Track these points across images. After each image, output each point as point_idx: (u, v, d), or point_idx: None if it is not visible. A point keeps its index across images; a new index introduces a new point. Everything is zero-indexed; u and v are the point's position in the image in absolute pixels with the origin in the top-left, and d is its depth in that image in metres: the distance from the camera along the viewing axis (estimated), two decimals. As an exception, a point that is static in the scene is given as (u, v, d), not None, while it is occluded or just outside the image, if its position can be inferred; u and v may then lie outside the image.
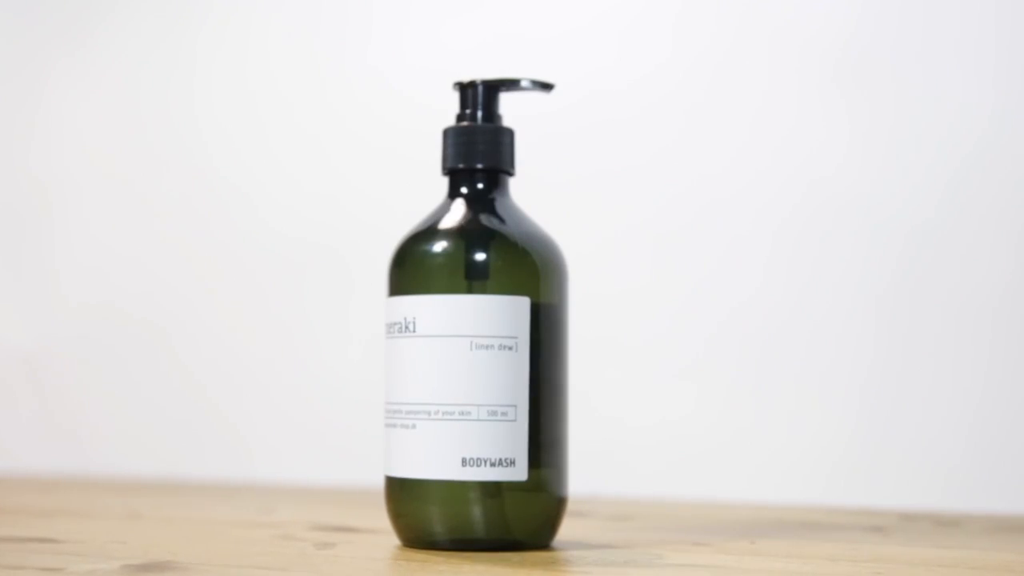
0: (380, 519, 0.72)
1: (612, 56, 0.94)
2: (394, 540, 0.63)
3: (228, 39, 1.06)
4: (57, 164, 1.10)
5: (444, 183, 0.96)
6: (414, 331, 0.60)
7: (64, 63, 1.10)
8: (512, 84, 0.63)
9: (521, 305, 0.60)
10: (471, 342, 0.59)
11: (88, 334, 1.08)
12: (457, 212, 0.62)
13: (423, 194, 0.97)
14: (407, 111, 0.99)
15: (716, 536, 0.66)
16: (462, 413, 0.59)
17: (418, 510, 0.60)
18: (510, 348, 0.59)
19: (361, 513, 0.77)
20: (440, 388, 0.59)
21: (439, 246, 0.61)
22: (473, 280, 0.60)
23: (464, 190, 0.63)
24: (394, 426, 0.61)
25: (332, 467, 0.99)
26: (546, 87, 0.64)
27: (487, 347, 0.59)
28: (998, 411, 0.84)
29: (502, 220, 0.62)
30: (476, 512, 0.60)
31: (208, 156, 1.06)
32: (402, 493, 0.61)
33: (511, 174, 0.64)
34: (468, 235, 0.61)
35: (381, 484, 0.95)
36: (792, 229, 0.89)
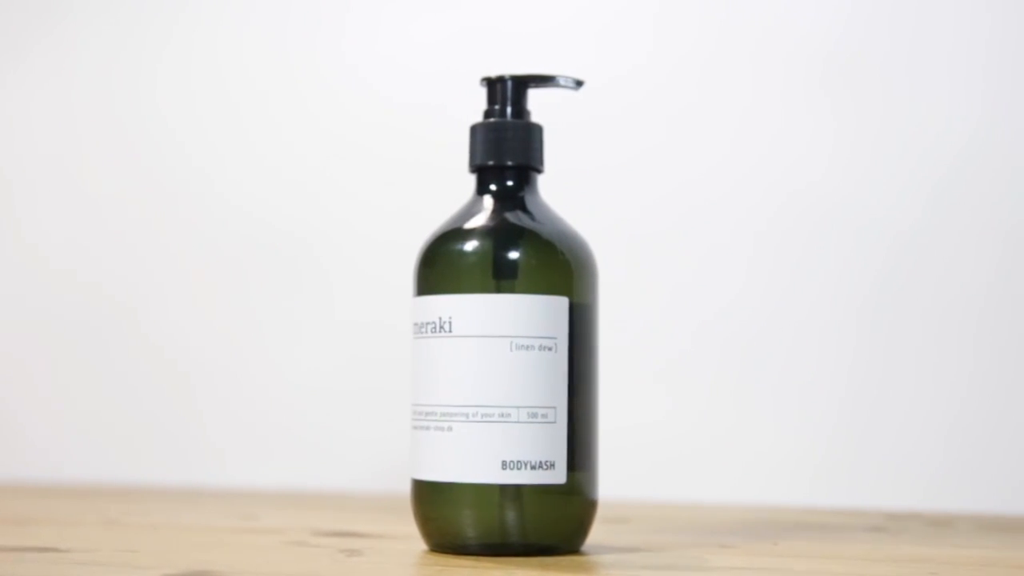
0: (382, 523, 0.71)
1: (592, 54, 0.93)
2: (417, 545, 0.61)
3: (200, 30, 1.02)
4: (12, 156, 1.06)
5: (423, 179, 0.96)
6: (450, 331, 0.59)
7: (34, 54, 1.05)
8: (543, 80, 0.62)
9: (560, 305, 0.59)
10: (511, 342, 0.58)
11: (32, 331, 1.04)
12: (489, 210, 0.61)
13: (400, 190, 0.97)
14: (383, 107, 0.97)
15: (733, 538, 0.66)
16: (502, 415, 0.58)
17: (451, 514, 0.59)
18: (550, 349, 0.58)
19: (356, 517, 0.75)
20: (479, 389, 0.58)
21: (477, 245, 0.60)
22: (512, 280, 0.59)
23: (493, 187, 0.62)
24: (426, 428, 0.59)
25: (298, 470, 0.96)
26: (578, 84, 0.63)
27: (527, 348, 0.58)
28: (980, 414, 0.86)
29: (538, 219, 0.61)
30: (513, 516, 0.58)
31: (180, 150, 1.02)
32: (433, 496, 0.59)
33: (540, 171, 0.63)
34: (507, 234, 0.60)
35: (358, 486, 0.96)
36: (776, 232, 0.89)
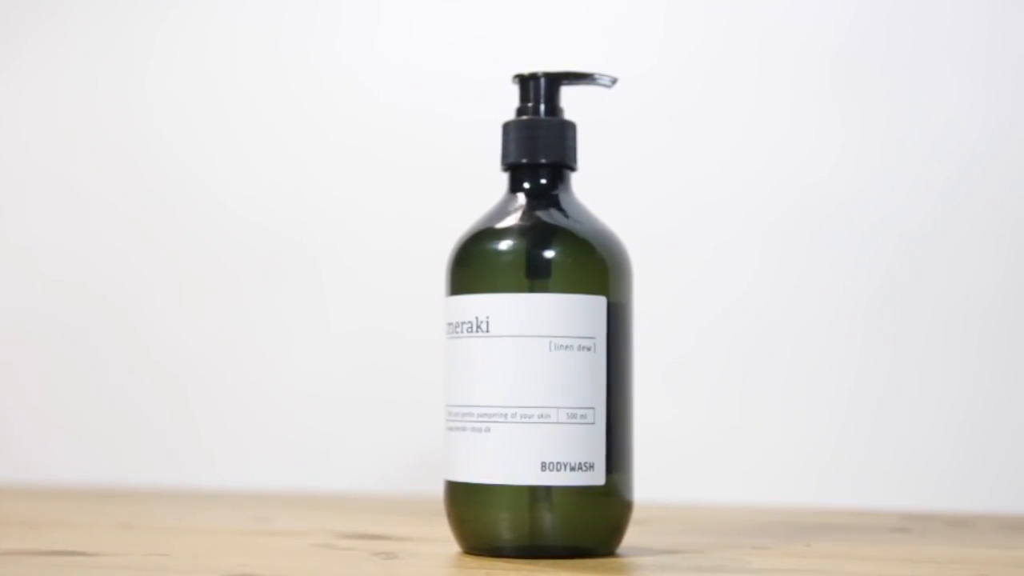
0: (401, 525, 0.71)
1: (600, 55, 0.92)
2: (449, 547, 0.60)
3: (191, 27, 1.01)
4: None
5: (416, 181, 0.95)
6: (487, 331, 0.58)
7: (21, 53, 1.03)
8: (577, 77, 0.62)
9: (598, 305, 0.58)
10: (550, 342, 0.57)
11: (21, 333, 1.02)
12: (524, 209, 0.60)
13: (396, 193, 0.96)
14: (378, 108, 0.97)
15: (764, 539, 0.66)
16: (541, 416, 0.57)
17: (487, 516, 0.58)
18: (588, 349, 0.58)
19: (371, 519, 0.74)
20: (518, 390, 0.57)
21: (516, 244, 0.59)
22: (551, 279, 0.58)
23: (527, 186, 0.61)
24: (463, 429, 0.58)
25: (292, 472, 0.95)
26: (612, 81, 0.62)
27: (566, 347, 0.57)
28: (989, 412, 0.85)
29: (575, 218, 0.60)
30: (551, 518, 0.58)
31: (170, 151, 1.01)
32: (469, 498, 0.58)
33: (574, 169, 0.62)
34: (545, 233, 0.59)
35: (356, 488, 0.94)
36: (782, 232, 0.89)
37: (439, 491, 0.88)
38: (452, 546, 0.61)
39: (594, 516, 0.58)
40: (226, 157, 1.00)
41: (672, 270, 0.91)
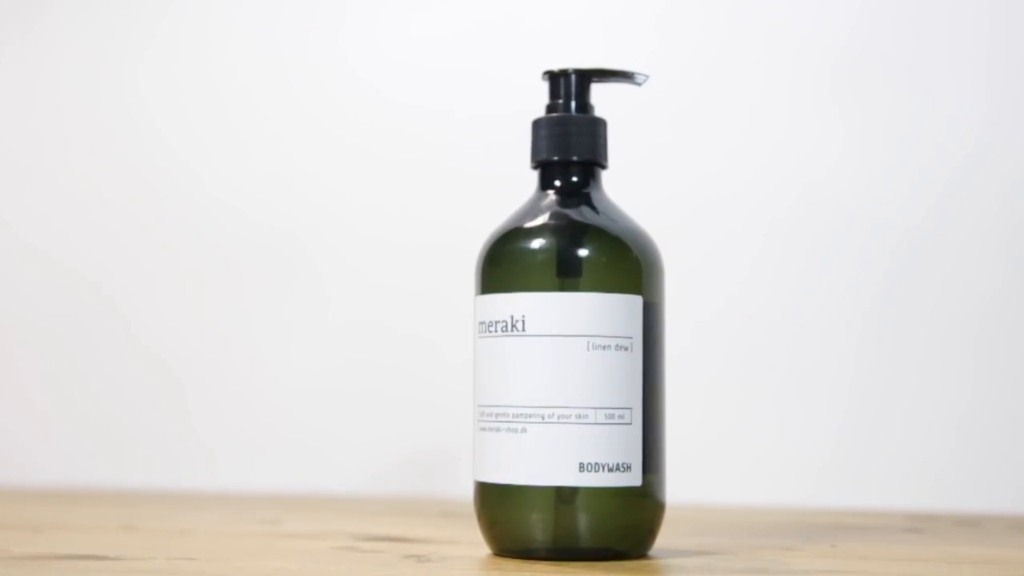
0: (416, 527, 0.70)
1: (597, 52, 0.92)
2: (478, 549, 0.59)
3: (190, 22, 0.99)
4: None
5: (415, 178, 0.94)
6: (523, 330, 0.57)
7: (19, 46, 1.01)
8: (608, 74, 0.61)
9: (635, 304, 0.58)
10: (588, 342, 0.57)
11: (15, 331, 1.00)
12: (558, 207, 0.59)
13: (395, 189, 0.95)
14: (377, 104, 0.96)
15: (788, 539, 0.65)
16: (579, 416, 0.56)
17: (522, 517, 0.57)
18: (625, 348, 0.57)
19: (381, 521, 0.73)
20: (555, 390, 0.56)
21: (552, 242, 0.58)
22: (586, 278, 0.57)
23: (558, 183, 0.60)
24: (497, 430, 0.57)
25: (292, 472, 0.94)
26: (644, 79, 0.62)
27: (604, 347, 0.57)
28: (988, 412, 0.86)
29: (609, 216, 0.59)
30: (586, 519, 0.57)
31: (168, 147, 0.99)
32: (502, 500, 0.58)
33: (605, 167, 0.61)
34: (580, 232, 0.59)
35: (358, 488, 0.93)
36: (782, 231, 0.89)
37: (440, 491, 0.88)
38: (479, 548, 0.60)
39: (631, 517, 0.57)
40: (224, 151, 0.98)
41: (671, 268, 0.90)
